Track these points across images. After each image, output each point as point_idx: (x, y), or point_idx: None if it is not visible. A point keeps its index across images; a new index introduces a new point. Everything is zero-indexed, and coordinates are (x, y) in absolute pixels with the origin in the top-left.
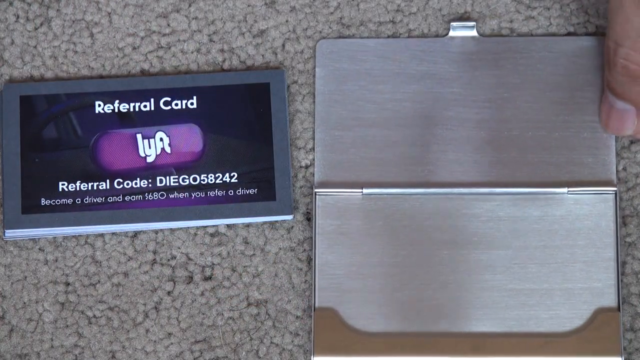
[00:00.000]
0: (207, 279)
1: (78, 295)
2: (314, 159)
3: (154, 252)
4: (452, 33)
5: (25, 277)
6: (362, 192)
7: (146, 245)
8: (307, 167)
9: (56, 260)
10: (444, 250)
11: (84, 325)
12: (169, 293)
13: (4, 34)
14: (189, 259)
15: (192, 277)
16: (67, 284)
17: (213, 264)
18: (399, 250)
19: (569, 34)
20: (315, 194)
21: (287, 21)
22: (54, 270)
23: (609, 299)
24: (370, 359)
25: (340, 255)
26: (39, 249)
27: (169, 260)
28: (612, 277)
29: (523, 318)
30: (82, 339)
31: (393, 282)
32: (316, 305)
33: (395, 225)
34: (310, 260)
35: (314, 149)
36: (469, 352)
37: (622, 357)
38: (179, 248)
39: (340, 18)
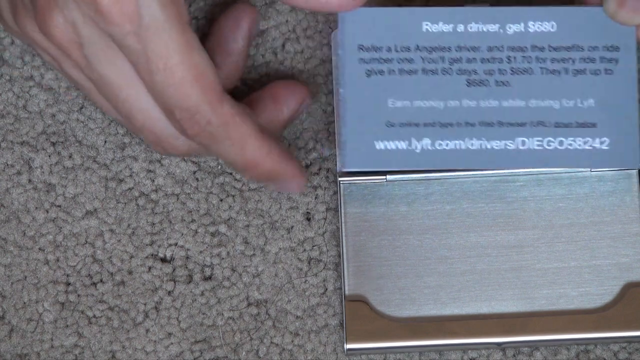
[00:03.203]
0: (207, 279)
1: (78, 295)
2: (314, 159)
3: (155, 252)
4: None
5: (25, 277)
6: (385, 178)
7: (146, 245)
8: (307, 166)
9: (57, 260)
10: (470, 233)
11: (84, 325)
12: (169, 293)
13: (4, 34)
14: (189, 258)
15: (192, 277)
16: (68, 284)
17: (213, 264)
18: (425, 235)
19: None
20: (340, 183)
21: (287, 21)
22: (54, 271)
23: (638, 274)
24: (402, 344)
25: (366, 243)
26: (39, 248)
27: (169, 260)
28: None
29: (553, 297)
30: (82, 339)
31: (421, 267)
32: (346, 293)
33: (421, 211)
34: (310, 260)
35: (314, 149)
36: (500, 332)
37: None
38: (180, 247)
39: None
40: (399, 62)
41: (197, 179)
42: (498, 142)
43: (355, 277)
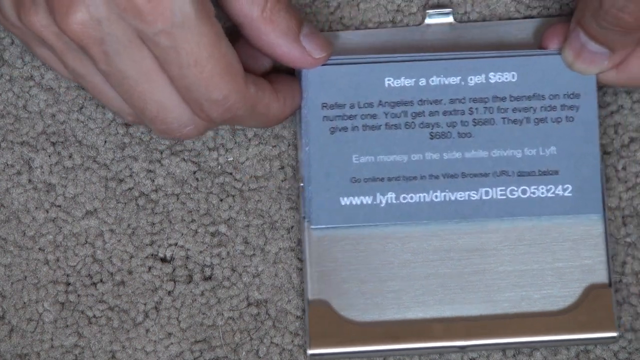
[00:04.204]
0: (207, 279)
1: (78, 295)
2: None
3: (155, 252)
4: (427, 20)
5: (25, 277)
6: None
7: (146, 245)
8: None
9: (57, 260)
10: (433, 236)
11: (84, 325)
12: (169, 293)
13: (4, 34)
14: (189, 258)
15: (192, 277)
16: (68, 284)
17: (213, 264)
18: (387, 239)
19: (547, 16)
20: (300, 189)
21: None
22: (54, 271)
23: (600, 276)
24: (366, 348)
25: (330, 247)
26: (39, 248)
27: (169, 260)
28: (602, 254)
29: (515, 299)
30: (82, 339)
31: (384, 272)
32: (309, 298)
33: None
34: None
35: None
36: (463, 336)
37: (617, 332)
38: (180, 247)
39: (341, 18)
40: (362, 118)
41: (197, 179)
42: (462, 193)
43: (319, 282)
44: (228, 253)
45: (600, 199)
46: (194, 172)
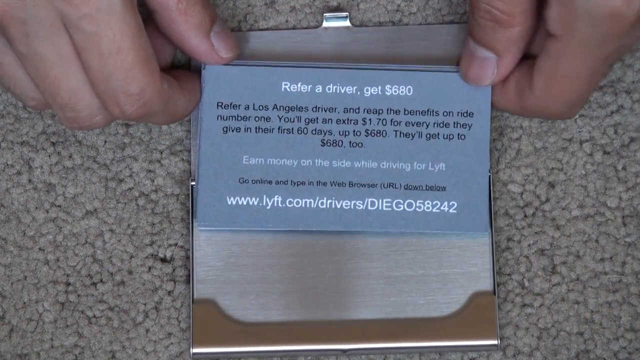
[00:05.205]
0: None
1: (78, 295)
2: None
3: (155, 252)
4: (325, 24)
5: (25, 277)
6: None
7: (146, 245)
8: None
9: (57, 260)
10: (320, 239)
11: (84, 325)
12: (169, 293)
13: None
14: (189, 258)
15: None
16: (68, 284)
17: None
18: (275, 241)
19: (441, 23)
20: (192, 188)
21: (287, 21)
22: (54, 271)
23: (485, 283)
24: (250, 349)
25: (218, 247)
26: (39, 248)
27: (169, 260)
28: (488, 262)
29: (400, 304)
30: (82, 339)
31: (271, 273)
32: (195, 297)
33: None
34: None
35: None
36: (347, 339)
37: (497, 340)
38: (180, 247)
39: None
40: (256, 120)
41: None
42: (348, 202)
43: (205, 281)
44: None
45: (486, 218)
46: None
